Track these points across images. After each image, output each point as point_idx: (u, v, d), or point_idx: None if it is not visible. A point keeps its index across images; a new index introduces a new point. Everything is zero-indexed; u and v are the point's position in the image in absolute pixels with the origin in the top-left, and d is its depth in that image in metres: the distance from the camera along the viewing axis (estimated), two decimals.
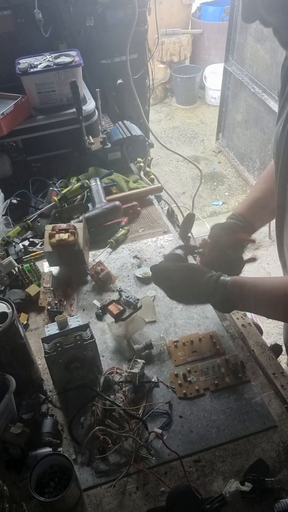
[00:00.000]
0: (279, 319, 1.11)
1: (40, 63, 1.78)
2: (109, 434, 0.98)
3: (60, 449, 0.98)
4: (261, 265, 3.10)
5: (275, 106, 3.48)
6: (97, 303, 1.31)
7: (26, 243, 1.53)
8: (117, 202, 1.59)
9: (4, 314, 0.97)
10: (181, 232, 1.61)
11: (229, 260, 1.14)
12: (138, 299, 1.20)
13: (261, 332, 1.24)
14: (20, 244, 1.51)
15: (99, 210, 1.56)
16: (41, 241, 1.53)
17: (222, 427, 1.01)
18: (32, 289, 1.33)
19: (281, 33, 0.77)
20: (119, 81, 1.87)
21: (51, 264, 1.42)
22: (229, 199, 4.06)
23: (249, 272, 3.14)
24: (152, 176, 2.00)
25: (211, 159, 4.58)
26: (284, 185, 1.00)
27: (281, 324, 1.76)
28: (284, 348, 1.35)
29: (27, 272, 1.37)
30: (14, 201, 1.67)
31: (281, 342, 1.41)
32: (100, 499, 0.92)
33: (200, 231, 3.48)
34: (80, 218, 1.55)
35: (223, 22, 5.05)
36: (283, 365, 1.16)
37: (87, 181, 1.69)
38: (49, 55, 1.83)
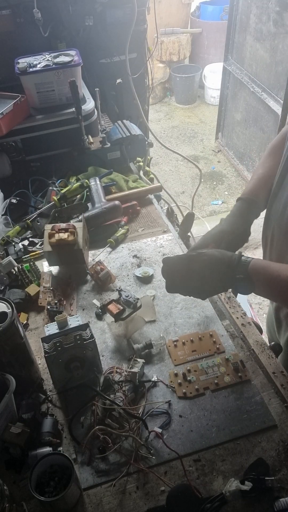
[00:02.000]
0: None
1: (39, 63, 1.78)
2: (109, 434, 0.98)
3: (60, 448, 0.98)
4: None
5: (274, 106, 3.48)
6: (96, 302, 1.31)
7: (26, 242, 1.53)
8: (116, 202, 1.59)
9: (4, 314, 0.97)
10: (180, 232, 1.61)
11: None
12: (138, 299, 1.20)
13: (261, 331, 1.24)
14: (20, 244, 1.51)
15: (99, 209, 1.56)
16: (40, 241, 1.53)
17: (222, 426, 1.01)
18: (31, 289, 1.33)
19: None
20: (119, 80, 1.87)
21: (50, 264, 1.42)
22: (229, 198, 4.06)
23: None
24: (152, 176, 2.00)
25: (211, 159, 4.59)
26: None
27: None
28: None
29: (26, 271, 1.37)
30: (14, 200, 1.67)
31: None
32: (100, 499, 0.92)
33: (200, 230, 3.48)
34: (80, 217, 1.55)
35: (222, 21, 5.05)
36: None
37: (86, 180, 1.69)
38: (48, 55, 1.82)
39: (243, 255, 0.96)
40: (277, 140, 1.22)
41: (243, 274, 0.94)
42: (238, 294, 1.42)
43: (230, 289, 1.33)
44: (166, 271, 1.02)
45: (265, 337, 1.19)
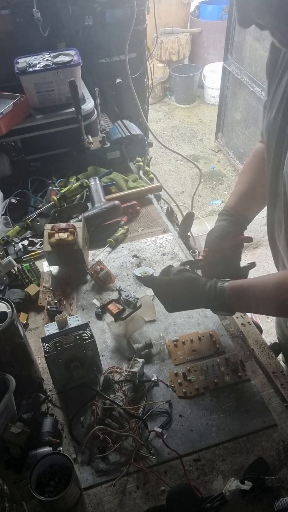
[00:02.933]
0: (277, 314, 1.12)
1: (39, 63, 1.78)
2: (109, 433, 0.98)
3: (60, 448, 0.99)
4: (261, 264, 3.10)
5: None
6: (96, 302, 1.31)
7: (26, 242, 1.53)
8: (116, 202, 1.59)
9: (4, 314, 0.97)
10: (180, 231, 1.61)
11: (232, 267, 1.17)
12: (138, 298, 1.20)
13: (260, 331, 1.24)
14: (20, 244, 1.51)
15: (99, 209, 1.56)
16: (40, 241, 1.53)
17: (222, 426, 1.01)
18: (31, 289, 1.33)
19: (276, 35, 0.78)
20: (118, 80, 1.87)
21: (50, 264, 1.42)
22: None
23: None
24: (151, 175, 2.00)
25: (210, 158, 4.59)
26: (277, 174, 1.00)
27: None
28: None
29: (26, 271, 1.37)
30: (14, 200, 1.67)
31: None
32: (100, 498, 0.92)
33: (200, 230, 3.49)
34: (80, 217, 1.55)
35: (222, 21, 5.05)
36: (281, 363, 1.16)
37: (86, 180, 1.69)
38: (48, 55, 1.82)
39: (219, 282, 1.00)
40: (251, 158, 1.23)
41: (221, 303, 0.99)
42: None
43: None
44: (154, 292, 1.11)
45: (265, 336, 1.19)
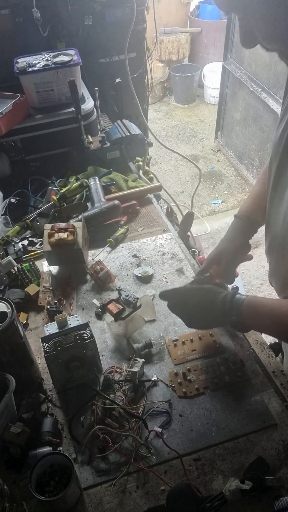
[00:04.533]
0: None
1: (38, 62, 1.77)
2: (109, 433, 0.98)
3: (60, 448, 0.99)
4: (260, 263, 3.11)
5: (274, 105, 3.48)
6: (96, 302, 1.31)
7: (25, 242, 1.53)
8: (116, 201, 1.59)
9: (4, 314, 0.96)
10: (180, 231, 1.61)
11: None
12: (138, 298, 1.20)
13: None
14: (19, 244, 1.51)
15: (98, 209, 1.56)
16: (40, 241, 1.53)
17: (222, 426, 1.01)
18: (31, 289, 1.33)
19: (284, 58, 0.77)
20: (118, 80, 1.87)
21: (50, 264, 1.42)
22: (228, 197, 4.06)
23: (248, 270, 3.15)
24: (151, 175, 2.00)
25: (210, 158, 4.59)
26: (274, 194, 1.00)
27: None
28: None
29: (26, 271, 1.37)
30: (13, 200, 1.67)
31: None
32: (100, 498, 0.92)
33: (199, 229, 3.49)
34: (79, 217, 1.55)
35: (221, 20, 5.05)
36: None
37: (86, 180, 1.69)
38: (48, 54, 1.82)
39: (237, 294, 0.97)
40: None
41: (236, 316, 0.95)
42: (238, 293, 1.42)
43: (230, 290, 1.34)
44: (168, 304, 1.09)
45: (265, 336, 1.19)
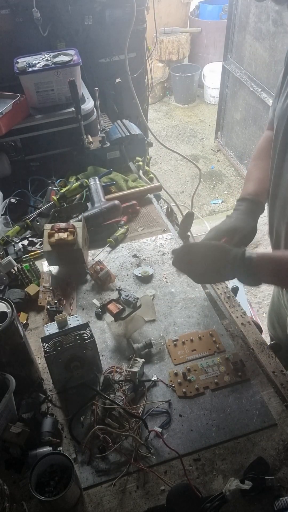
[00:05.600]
0: None
1: (38, 62, 1.77)
2: (109, 433, 0.98)
3: (60, 448, 0.99)
4: None
5: None
6: (96, 302, 1.31)
7: (25, 242, 1.53)
8: (116, 201, 1.59)
9: (4, 314, 0.97)
10: (180, 231, 1.60)
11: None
12: (138, 298, 1.20)
13: (260, 330, 1.24)
14: (19, 244, 1.51)
15: (98, 209, 1.56)
16: (40, 241, 1.53)
17: (222, 426, 1.01)
18: (31, 289, 1.33)
19: None
20: (118, 80, 1.87)
21: (50, 264, 1.42)
22: (228, 197, 4.06)
23: None
24: (151, 175, 2.00)
25: (210, 158, 4.58)
26: (282, 162, 1.00)
27: None
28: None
29: (26, 271, 1.37)
30: (13, 200, 1.67)
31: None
32: (100, 498, 0.92)
33: (199, 229, 3.48)
34: (79, 217, 1.55)
35: (221, 20, 5.05)
36: None
37: (86, 180, 1.69)
38: (48, 54, 1.82)
39: (246, 250, 0.97)
40: (263, 144, 1.23)
41: (248, 271, 0.95)
42: (238, 293, 1.42)
43: (230, 290, 1.34)
44: (175, 264, 1.07)
45: (265, 336, 1.19)
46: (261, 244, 3.18)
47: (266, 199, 1.18)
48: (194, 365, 1.13)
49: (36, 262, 1.43)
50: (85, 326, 1.06)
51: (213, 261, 1.00)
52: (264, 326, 1.49)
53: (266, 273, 0.97)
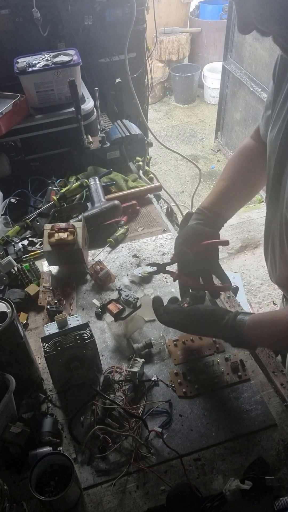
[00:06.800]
0: None
1: (38, 62, 1.77)
2: (109, 433, 0.98)
3: (60, 448, 0.98)
4: (261, 263, 3.10)
5: None
6: (96, 302, 1.31)
7: (25, 242, 1.53)
8: (116, 201, 1.59)
9: (4, 314, 0.96)
10: (180, 231, 1.61)
11: (206, 268, 1.17)
12: (138, 298, 1.20)
13: None
14: (19, 244, 1.51)
15: (98, 209, 1.56)
16: (40, 241, 1.53)
17: (222, 426, 1.01)
18: (31, 289, 1.33)
19: (279, 41, 0.77)
20: (118, 80, 1.87)
21: (50, 264, 1.42)
22: None
23: (248, 270, 3.14)
24: (151, 175, 2.00)
25: (210, 158, 4.59)
26: (277, 194, 1.00)
27: None
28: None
29: (26, 271, 1.37)
30: (13, 200, 1.67)
31: None
32: (100, 498, 0.92)
33: None
34: (79, 217, 1.55)
35: (221, 20, 5.06)
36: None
37: (86, 180, 1.69)
38: (48, 54, 1.82)
39: (239, 314, 0.96)
40: (236, 154, 1.23)
41: (238, 336, 0.95)
42: (238, 293, 1.42)
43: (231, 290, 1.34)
44: (164, 320, 1.10)
45: None
46: (261, 244, 3.19)
47: (226, 210, 1.17)
48: (194, 365, 1.13)
49: (36, 262, 1.43)
50: (85, 326, 1.06)
51: (205, 326, 1.02)
52: None
53: (255, 338, 0.95)
